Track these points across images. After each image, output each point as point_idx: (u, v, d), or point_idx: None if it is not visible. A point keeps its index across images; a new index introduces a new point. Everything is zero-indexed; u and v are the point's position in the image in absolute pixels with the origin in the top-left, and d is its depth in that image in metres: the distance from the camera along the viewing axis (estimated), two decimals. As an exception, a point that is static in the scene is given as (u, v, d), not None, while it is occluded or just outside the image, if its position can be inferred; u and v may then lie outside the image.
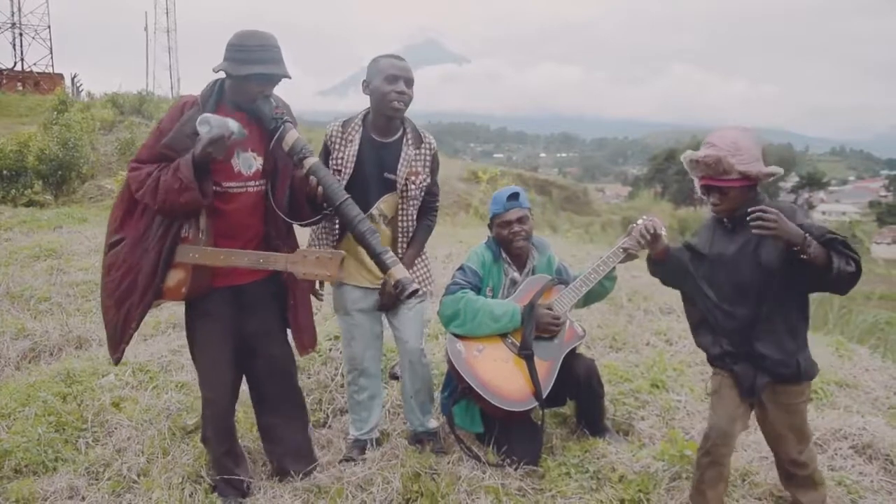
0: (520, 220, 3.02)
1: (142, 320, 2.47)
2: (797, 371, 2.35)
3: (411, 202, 2.87)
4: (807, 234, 2.16)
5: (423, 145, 2.88)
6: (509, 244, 3.05)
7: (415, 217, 2.93)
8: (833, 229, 2.24)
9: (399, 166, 2.82)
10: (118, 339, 2.48)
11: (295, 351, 2.78)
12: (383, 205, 2.85)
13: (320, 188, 2.43)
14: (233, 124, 2.28)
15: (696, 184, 2.41)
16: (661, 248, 2.64)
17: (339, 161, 2.82)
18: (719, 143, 2.30)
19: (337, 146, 2.85)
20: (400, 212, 2.87)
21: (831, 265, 2.15)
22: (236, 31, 2.42)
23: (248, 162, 2.51)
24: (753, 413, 2.51)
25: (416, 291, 2.39)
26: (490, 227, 3.14)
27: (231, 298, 2.57)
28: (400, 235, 2.88)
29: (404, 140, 2.86)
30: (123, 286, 2.41)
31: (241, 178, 2.49)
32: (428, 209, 3.01)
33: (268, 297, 2.64)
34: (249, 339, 2.64)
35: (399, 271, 2.40)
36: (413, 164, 2.85)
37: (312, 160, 2.46)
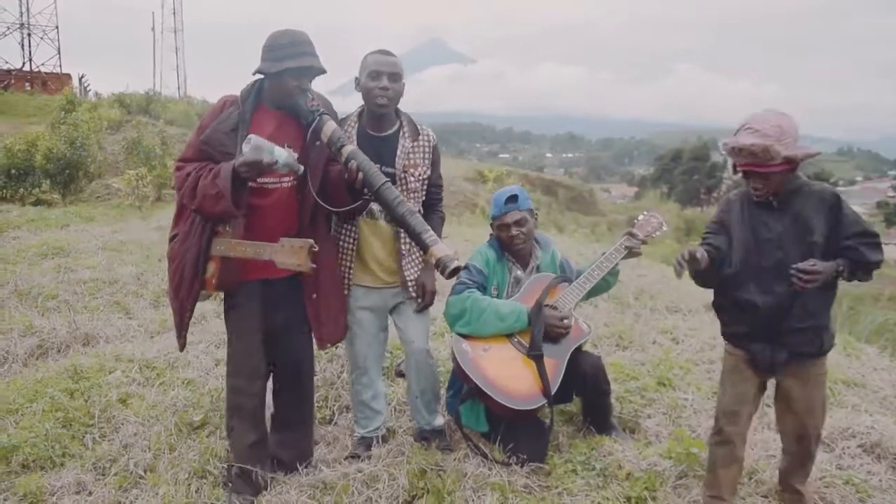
0: (517, 223, 3.01)
1: (193, 309, 2.61)
2: (820, 346, 2.39)
3: (411, 195, 2.84)
4: (839, 262, 2.26)
5: (420, 137, 2.87)
6: (509, 246, 3.06)
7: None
8: (865, 228, 2.30)
9: (396, 159, 2.81)
10: (179, 326, 2.63)
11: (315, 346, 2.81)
12: None
13: (360, 174, 2.45)
14: (279, 153, 2.32)
15: (731, 166, 2.34)
16: (705, 264, 2.40)
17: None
18: (764, 129, 2.23)
19: None
20: None
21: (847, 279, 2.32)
22: (270, 32, 2.49)
23: None
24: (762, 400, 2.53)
25: (458, 269, 2.39)
26: (492, 226, 3.14)
27: (261, 291, 2.63)
28: (401, 230, 2.82)
29: (400, 133, 2.85)
30: (177, 278, 2.55)
31: (277, 174, 2.53)
32: (435, 201, 2.99)
33: (295, 291, 2.67)
34: (275, 333, 2.69)
35: (440, 249, 2.38)
36: (410, 156, 2.83)
37: (350, 148, 2.49)
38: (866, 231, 2.29)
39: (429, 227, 2.45)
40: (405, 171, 2.81)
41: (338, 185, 2.59)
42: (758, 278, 2.38)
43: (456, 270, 2.39)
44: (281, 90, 2.49)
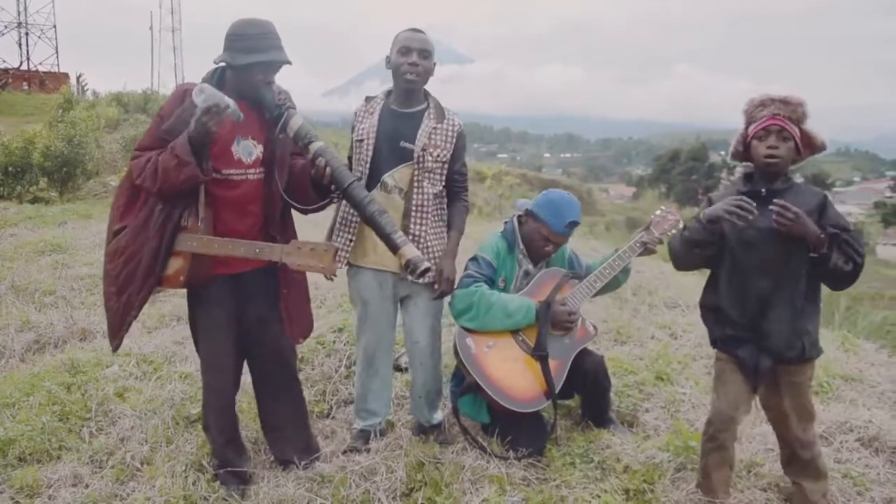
0: (557, 245, 3.02)
1: (141, 308, 2.49)
2: (801, 352, 2.36)
3: (426, 174, 2.79)
4: (821, 234, 2.22)
5: (445, 121, 2.82)
6: (534, 250, 3.03)
7: (429, 192, 2.79)
8: (848, 226, 2.30)
9: (418, 136, 2.77)
10: (117, 327, 2.50)
11: None
12: (397, 174, 2.78)
13: (328, 170, 2.43)
14: (228, 100, 2.27)
15: (753, 128, 2.36)
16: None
17: (361, 132, 2.82)
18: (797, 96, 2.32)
19: (360, 119, 2.87)
20: (415, 185, 2.77)
21: (829, 259, 2.22)
22: (233, 21, 2.42)
23: (248, 149, 2.50)
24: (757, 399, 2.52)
25: (428, 269, 2.39)
26: (523, 215, 3.07)
27: (231, 286, 2.57)
28: (413, 209, 2.77)
29: (426, 113, 2.82)
30: (125, 274, 2.43)
31: (241, 166, 2.49)
32: (459, 189, 2.93)
33: (266, 285, 2.63)
34: (249, 327, 2.65)
35: (409, 251, 2.40)
36: (433, 136, 2.79)
37: (318, 144, 2.47)
38: (848, 227, 2.30)
39: (398, 228, 2.48)
40: (424, 150, 2.77)
41: (303, 181, 2.55)
42: (741, 274, 2.40)
43: (426, 271, 2.40)
44: (246, 82, 2.43)
